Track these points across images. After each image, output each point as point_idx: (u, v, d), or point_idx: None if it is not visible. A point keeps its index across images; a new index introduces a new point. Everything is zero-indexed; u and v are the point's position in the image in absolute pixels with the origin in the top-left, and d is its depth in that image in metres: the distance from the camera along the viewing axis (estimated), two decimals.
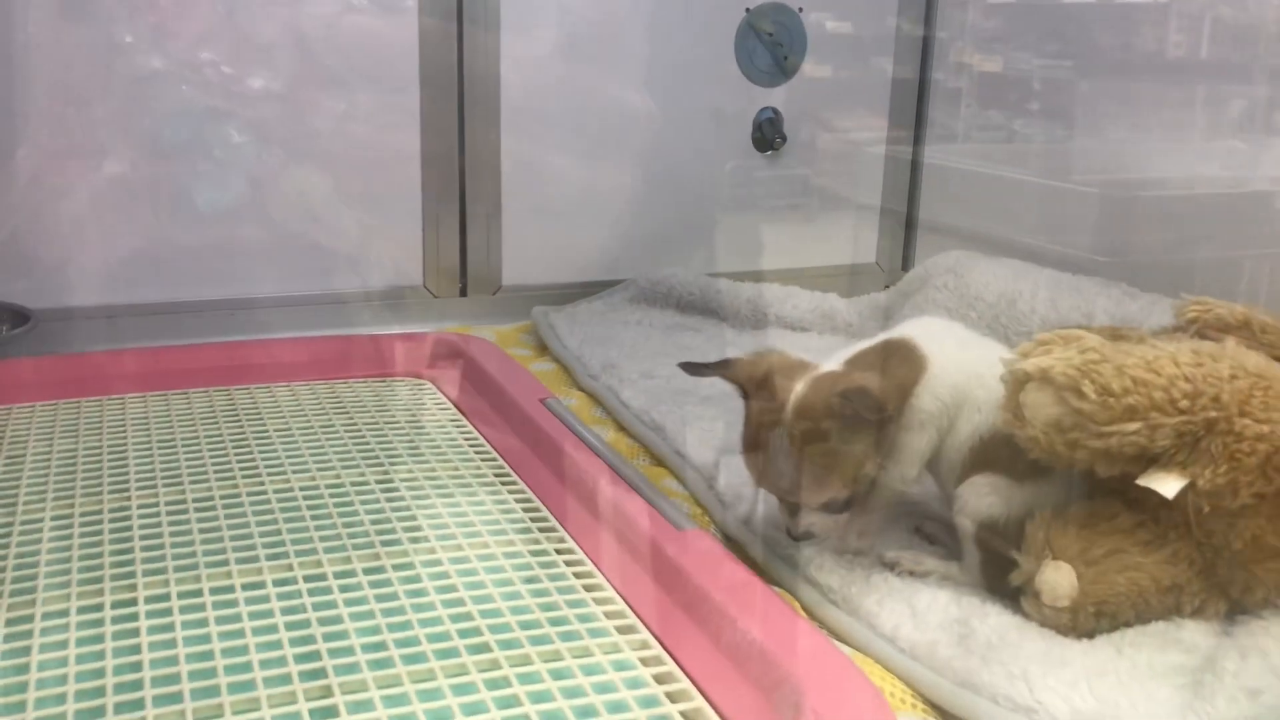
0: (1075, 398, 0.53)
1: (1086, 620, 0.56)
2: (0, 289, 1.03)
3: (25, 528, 0.64)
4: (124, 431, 0.79)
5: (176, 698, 0.49)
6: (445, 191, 1.19)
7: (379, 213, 1.18)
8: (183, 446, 0.76)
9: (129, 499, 0.68)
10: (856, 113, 1.37)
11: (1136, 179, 1.09)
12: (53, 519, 0.65)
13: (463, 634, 0.54)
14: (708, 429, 0.83)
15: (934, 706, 0.54)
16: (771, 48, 1.28)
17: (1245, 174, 0.98)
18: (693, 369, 0.67)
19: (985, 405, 0.61)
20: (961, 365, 0.62)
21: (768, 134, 1.30)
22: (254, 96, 1.10)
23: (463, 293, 1.23)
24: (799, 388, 0.61)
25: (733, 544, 0.70)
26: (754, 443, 0.62)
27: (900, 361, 0.62)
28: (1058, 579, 0.56)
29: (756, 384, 0.62)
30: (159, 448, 0.76)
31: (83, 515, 0.66)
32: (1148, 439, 0.53)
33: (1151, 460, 0.54)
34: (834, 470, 0.60)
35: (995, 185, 1.27)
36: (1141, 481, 0.54)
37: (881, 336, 0.65)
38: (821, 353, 0.75)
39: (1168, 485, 0.54)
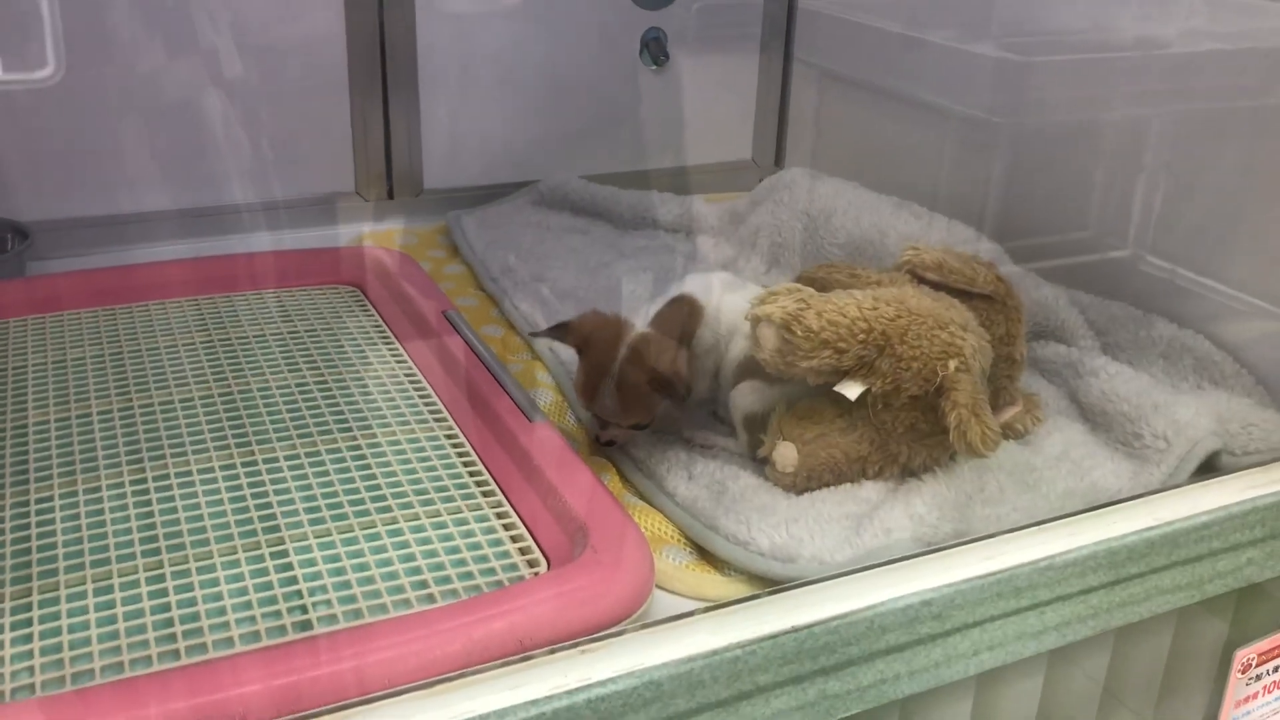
0: (788, 334, 0.77)
1: (801, 482, 0.81)
2: None
3: (38, 426, 0.88)
4: (119, 342, 1.01)
5: (155, 552, 0.73)
6: (370, 103, 1.38)
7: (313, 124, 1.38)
8: (147, 356, 0.99)
9: (132, 402, 0.91)
10: (734, 30, 1.56)
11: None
12: (57, 420, 0.89)
13: (376, 504, 0.79)
14: None
15: (691, 542, 0.80)
16: None
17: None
18: (536, 335, 0.92)
19: (745, 335, 0.85)
20: (728, 307, 0.87)
21: (653, 51, 1.49)
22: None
23: (389, 195, 1.44)
24: (622, 351, 0.84)
25: (581, 425, 0.95)
26: (583, 384, 0.86)
27: (687, 313, 0.86)
28: (785, 453, 0.82)
29: (583, 343, 0.86)
30: (165, 353, 0.99)
31: (78, 417, 0.89)
32: (838, 361, 0.78)
33: (843, 374, 0.79)
34: (643, 408, 0.85)
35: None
36: (836, 388, 0.79)
37: (671, 293, 0.89)
38: (686, 254, 0.98)
39: (852, 390, 0.79)
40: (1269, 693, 0.81)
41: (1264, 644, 0.79)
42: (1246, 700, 0.80)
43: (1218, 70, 1.05)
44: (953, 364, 0.78)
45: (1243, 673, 0.78)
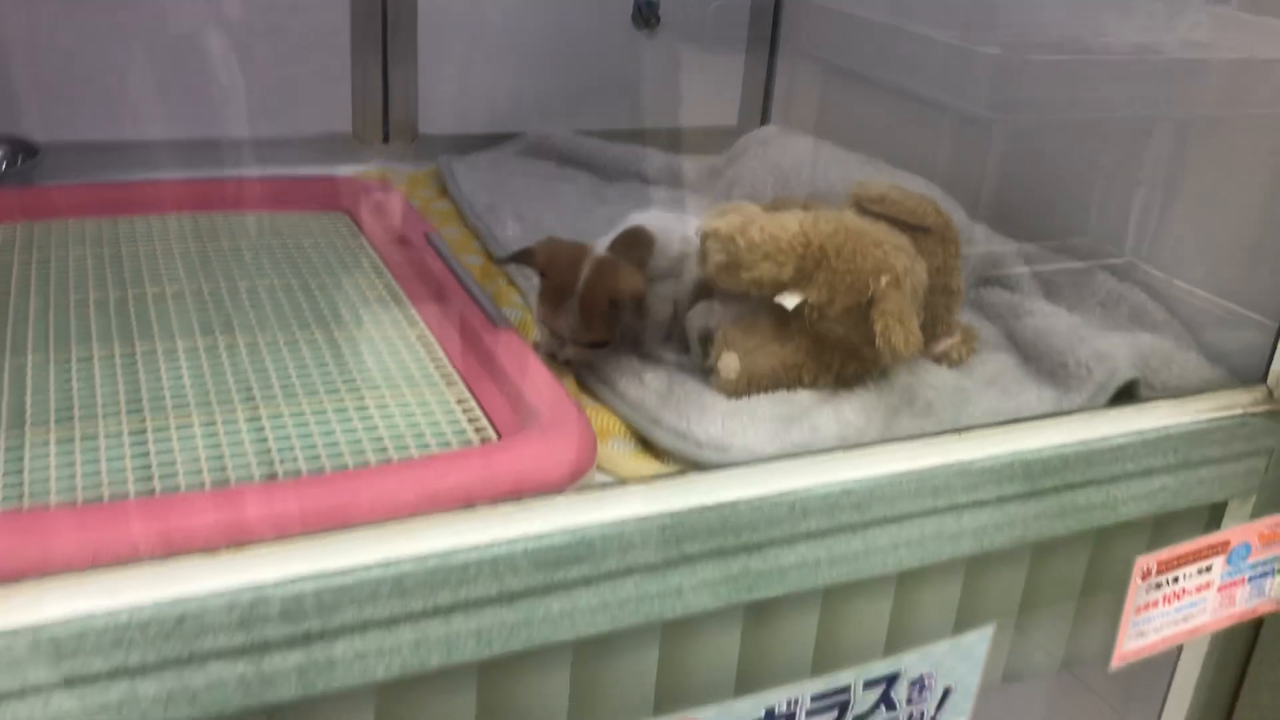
0: (732, 246, 0.84)
1: (742, 388, 0.88)
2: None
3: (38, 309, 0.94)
4: (118, 245, 1.08)
5: (139, 411, 0.79)
6: (370, 50, 1.45)
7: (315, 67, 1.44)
8: (161, 258, 1.06)
9: (126, 293, 0.98)
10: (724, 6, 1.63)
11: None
12: (57, 306, 0.95)
13: (346, 385, 0.85)
14: None
15: (636, 436, 0.86)
16: None
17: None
18: (502, 260, 0.98)
19: (697, 261, 0.91)
20: (679, 237, 0.93)
21: (645, 14, 1.56)
22: None
23: (385, 139, 1.51)
24: (584, 272, 0.90)
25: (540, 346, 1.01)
26: (545, 304, 0.92)
27: (641, 241, 0.93)
28: (729, 362, 0.88)
29: (546, 265, 0.91)
30: (161, 257, 1.05)
31: (95, 303, 0.96)
32: (777, 273, 0.84)
33: (783, 286, 0.85)
34: (603, 325, 0.90)
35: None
36: (776, 299, 0.85)
37: (624, 225, 0.95)
38: (664, 203, 1.03)
39: (790, 301, 0.85)
40: (1169, 603, 0.87)
41: (1164, 553, 0.85)
42: (1146, 608, 0.86)
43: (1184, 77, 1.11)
44: (884, 279, 0.84)
45: (1143, 579, 0.84)
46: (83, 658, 0.60)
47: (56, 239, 1.07)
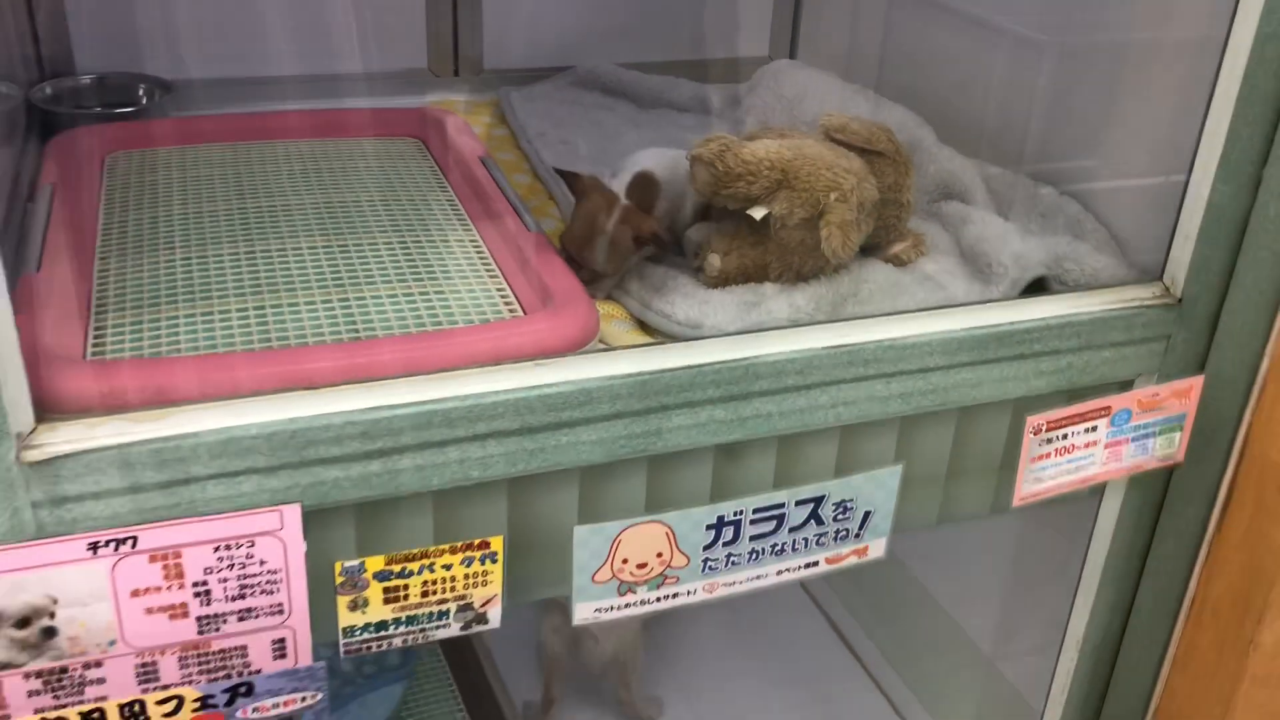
0: (714, 168, 1.06)
1: (722, 281, 1.10)
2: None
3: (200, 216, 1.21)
4: (239, 165, 1.35)
5: (278, 293, 1.06)
6: None
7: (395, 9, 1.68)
8: (271, 176, 1.32)
9: (247, 204, 1.24)
10: None
11: None
12: (193, 211, 1.22)
13: (413, 275, 1.10)
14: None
15: (633, 319, 1.10)
16: None
17: None
18: (557, 170, 1.21)
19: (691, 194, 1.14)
20: (681, 175, 1.14)
21: None
22: None
23: (455, 73, 1.74)
24: (612, 218, 1.09)
25: None
26: (574, 232, 1.11)
27: (649, 186, 1.14)
28: (712, 261, 1.10)
29: (582, 194, 1.11)
30: (272, 176, 1.32)
31: (208, 212, 1.22)
32: (749, 189, 1.06)
33: (753, 201, 1.07)
34: (619, 260, 1.11)
35: None
36: (748, 212, 1.07)
37: (633, 169, 1.14)
38: (690, 128, 1.26)
39: (758, 213, 1.07)
40: (1060, 455, 1.08)
41: (1052, 414, 1.06)
42: (1039, 459, 1.08)
43: None
44: (833, 195, 1.05)
45: (1034, 434, 1.06)
46: (225, 459, 0.87)
47: (190, 160, 1.34)
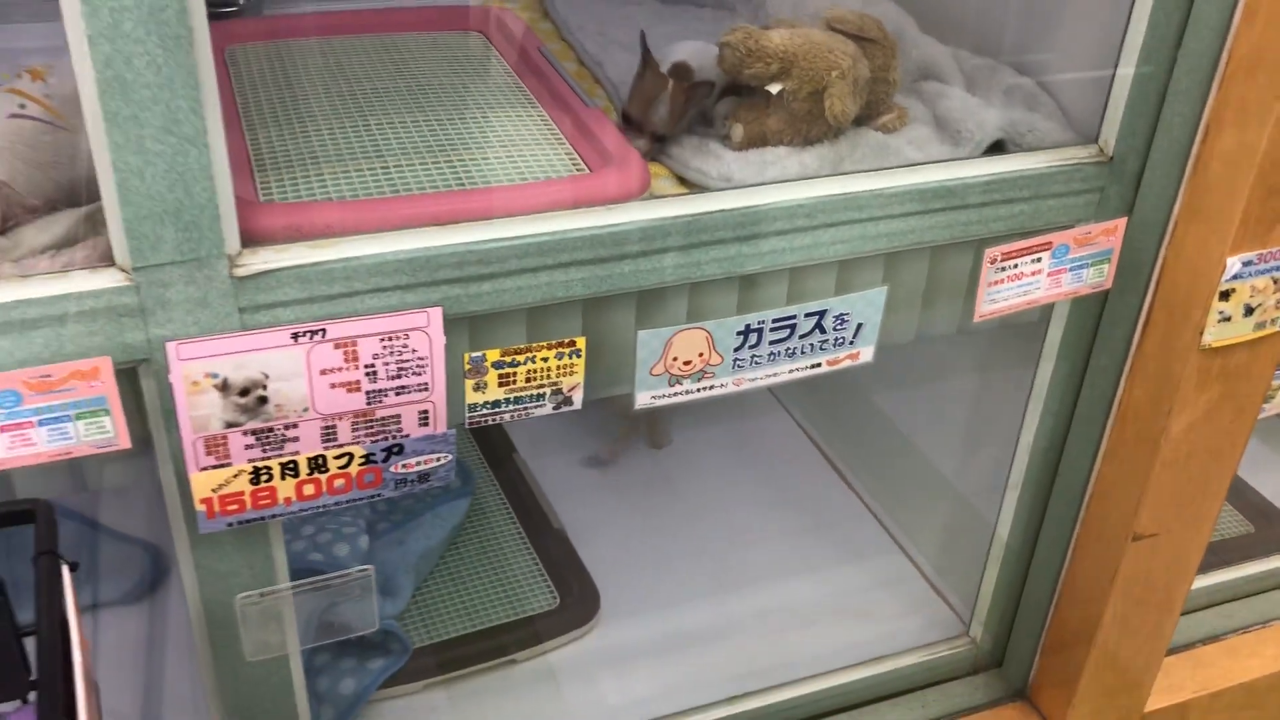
0: (738, 53, 1.32)
1: (745, 145, 1.37)
2: None
3: (305, 98, 1.47)
4: (333, 56, 1.60)
5: (381, 160, 1.33)
6: None
7: None
8: (360, 64, 1.57)
9: (345, 88, 1.50)
10: None
11: None
12: (313, 95, 1.48)
13: (498, 143, 1.37)
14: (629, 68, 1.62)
15: (677, 177, 1.37)
16: None
17: None
18: (643, 38, 1.46)
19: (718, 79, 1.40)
20: (708, 56, 1.40)
21: None
22: None
23: None
24: (670, 82, 1.36)
25: None
26: (639, 97, 1.38)
27: (688, 70, 1.39)
28: (737, 130, 1.37)
29: (647, 64, 1.39)
30: (360, 64, 1.57)
31: (327, 93, 1.48)
32: (766, 69, 1.33)
33: (771, 78, 1.34)
34: (677, 116, 1.37)
35: None
36: (766, 88, 1.34)
37: (672, 58, 1.39)
38: (711, 21, 1.53)
39: (774, 88, 1.33)
40: (1012, 281, 1.37)
41: (1007, 246, 1.35)
42: (996, 283, 1.37)
43: None
44: (833, 74, 1.32)
45: (991, 263, 1.35)
46: (378, 279, 1.15)
47: (298, 52, 1.60)
